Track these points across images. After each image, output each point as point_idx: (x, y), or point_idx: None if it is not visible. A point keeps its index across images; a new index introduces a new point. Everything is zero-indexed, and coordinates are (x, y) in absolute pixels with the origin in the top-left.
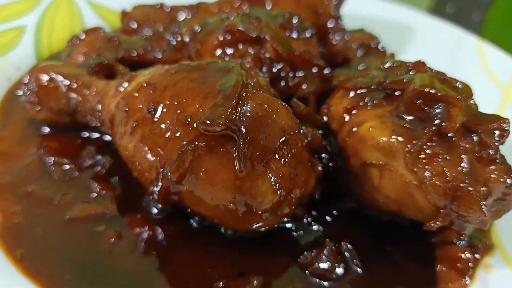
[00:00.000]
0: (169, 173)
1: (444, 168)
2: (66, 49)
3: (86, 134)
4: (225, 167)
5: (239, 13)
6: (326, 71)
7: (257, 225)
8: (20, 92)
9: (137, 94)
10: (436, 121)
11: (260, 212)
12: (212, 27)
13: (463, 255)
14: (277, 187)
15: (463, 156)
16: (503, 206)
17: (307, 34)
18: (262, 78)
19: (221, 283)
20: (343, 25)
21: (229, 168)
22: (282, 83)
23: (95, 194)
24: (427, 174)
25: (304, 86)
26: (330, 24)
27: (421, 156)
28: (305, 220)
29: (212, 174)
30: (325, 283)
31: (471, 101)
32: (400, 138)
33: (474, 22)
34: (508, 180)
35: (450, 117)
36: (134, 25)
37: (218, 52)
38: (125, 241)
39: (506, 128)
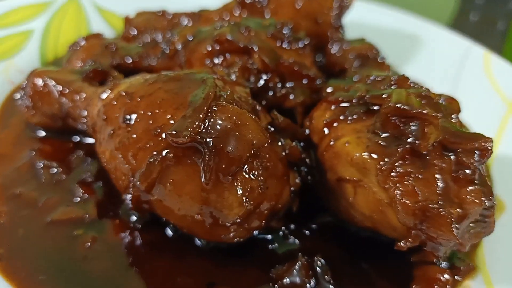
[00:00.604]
0: (138, 182)
1: (415, 188)
2: (67, 54)
3: (77, 139)
4: (192, 178)
5: (231, 22)
6: (317, 82)
7: (226, 237)
8: (18, 96)
9: (115, 103)
10: (410, 139)
11: (227, 224)
12: (204, 36)
13: (441, 277)
14: (245, 200)
15: (438, 176)
16: (483, 228)
17: (300, 45)
18: (242, 90)
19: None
20: (344, 35)
21: (196, 180)
22: (270, 93)
23: (78, 199)
24: (397, 192)
25: (291, 97)
26: (329, 34)
27: (392, 174)
28: (281, 232)
29: (179, 185)
30: None
31: (455, 118)
32: (373, 155)
33: (498, 31)
34: (487, 203)
35: (424, 135)
36: (134, 32)
37: (207, 61)
38: (101, 246)
39: (487, 148)
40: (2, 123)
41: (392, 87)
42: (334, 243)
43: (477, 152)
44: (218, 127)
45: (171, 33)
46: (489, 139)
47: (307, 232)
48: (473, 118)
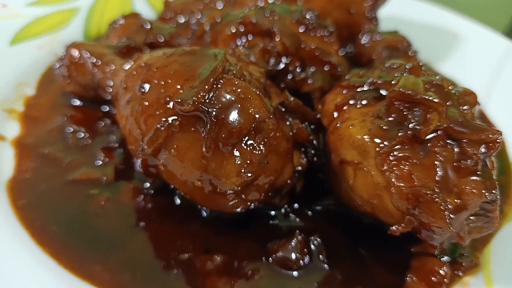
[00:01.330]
0: (145, 146)
1: (412, 173)
2: (107, 31)
3: (107, 109)
4: (194, 146)
5: (258, 6)
6: (339, 69)
7: (224, 205)
8: (57, 65)
9: (134, 73)
10: (412, 124)
11: (224, 193)
12: (230, 19)
13: (440, 270)
14: (243, 171)
15: (437, 163)
16: (485, 223)
17: (325, 32)
18: (256, 69)
19: (186, 255)
20: (377, 27)
21: (197, 147)
22: (290, 77)
23: (100, 162)
24: (393, 175)
25: (310, 82)
26: (361, 24)
27: (390, 157)
28: (283, 210)
29: (182, 151)
30: (287, 272)
31: (467, 110)
32: (373, 138)
33: None
34: (488, 196)
35: (425, 121)
36: (171, 14)
37: (232, 42)
38: (113, 206)
39: (495, 140)
40: (42, 89)
41: (405, 74)
42: (335, 226)
43: (483, 144)
44: (222, 98)
45: (201, 15)
46: (497, 132)
47: (309, 212)
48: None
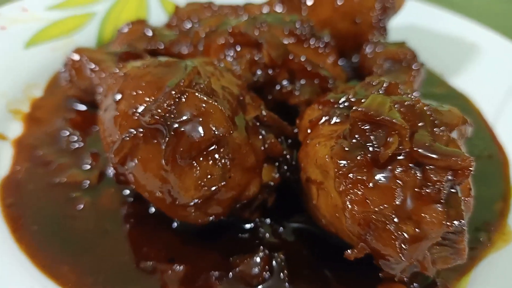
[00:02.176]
0: (112, 155)
1: (367, 197)
2: (114, 37)
3: None
4: (156, 157)
5: (250, 16)
6: (330, 82)
7: (186, 217)
8: (62, 69)
9: (114, 82)
10: (373, 147)
11: (184, 205)
12: (223, 29)
13: None
14: (201, 184)
15: (397, 189)
16: (452, 254)
17: (320, 43)
18: (234, 81)
19: (150, 263)
20: (385, 37)
21: (158, 159)
22: (278, 88)
23: (88, 166)
24: (347, 198)
25: (297, 93)
26: (367, 34)
27: (347, 180)
28: (252, 224)
29: (145, 162)
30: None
31: (442, 132)
32: (334, 158)
33: None
34: (451, 226)
35: (386, 144)
36: (177, 21)
37: (221, 52)
38: (90, 210)
39: (465, 167)
40: (49, 92)
41: (380, 92)
42: (303, 244)
43: (450, 171)
44: (182, 112)
45: (199, 23)
46: (467, 159)
47: (280, 228)
48: None
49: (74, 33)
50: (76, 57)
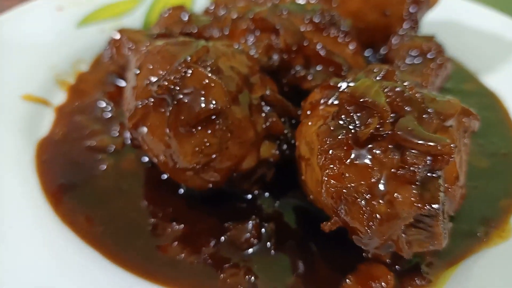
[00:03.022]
0: (127, 121)
1: (344, 173)
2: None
3: None
4: (161, 124)
5: (273, 4)
6: (344, 70)
7: (186, 181)
8: (106, 47)
9: (138, 57)
10: (355, 127)
11: (183, 169)
12: (249, 15)
13: (383, 278)
14: (198, 151)
15: (374, 168)
16: (427, 238)
17: (339, 32)
18: (244, 63)
19: (153, 220)
20: (416, 30)
21: (163, 126)
22: (293, 72)
23: (116, 133)
24: (325, 173)
25: (310, 78)
26: (396, 26)
27: (327, 155)
28: (251, 195)
29: (153, 128)
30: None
31: (432, 119)
32: (320, 136)
33: None
34: (421, 208)
35: (366, 125)
36: (214, 7)
37: (242, 37)
38: (112, 171)
39: (444, 153)
40: (94, 67)
41: (377, 78)
42: (295, 219)
43: (429, 157)
44: (186, 85)
45: (230, 10)
46: (447, 145)
47: (277, 202)
48: None
49: (123, 16)
50: (118, 36)
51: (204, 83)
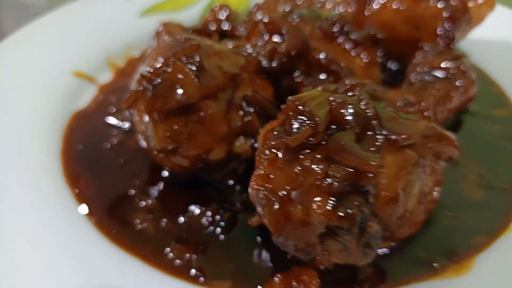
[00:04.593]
0: (124, 103)
1: (269, 174)
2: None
3: None
4: (144, 109)
5: (290, 9)
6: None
7: (160, 162)
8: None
9: (151, 49)
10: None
11: (156, 151)
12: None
13: (307, 281)
14: (168, 136)
15: (298, 175)
16: (343, 251)
17: (350, 43)
18: (235, 63)
19: (134, 191)
20: (450, 48)
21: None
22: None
23: None
24: (254, 172)
25: (305, 83)
26: (426, 41)
27: (261, 156)
28: (223, 186)
29: (139, 112)
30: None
31: (394, 141)
32: (263, 139)
33: None
34: (331, 220)
35: (298, 133)
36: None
37: (254, 38)
38: (120, 147)
39: (367, 171)
40: (143, 54)
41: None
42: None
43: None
44: (166, 77)
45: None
46: (373, 166)
47: (244, 195)
48: None
49: (182, 10)
50: (160, 28)
51: (180, 77)
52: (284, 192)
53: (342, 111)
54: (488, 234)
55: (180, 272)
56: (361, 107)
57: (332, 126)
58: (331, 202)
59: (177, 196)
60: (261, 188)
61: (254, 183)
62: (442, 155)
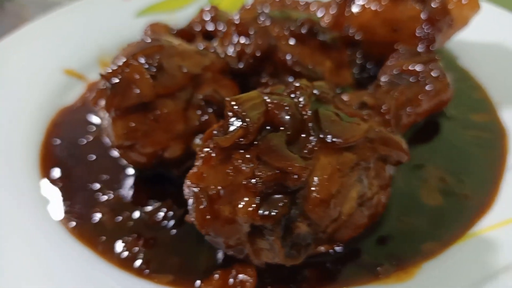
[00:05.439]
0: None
1: (203, 172)
2: None
3: None
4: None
5: (263, 11)
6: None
7: (120, 156)
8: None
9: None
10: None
11: (114, 147)
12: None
13: (242, 282)
14: (125, 133)
15: (231, 174)
16: (269, 251)
17: (320, 46)
18: (197, 63)
19: (99, 185)
20: (429, 51)
21: None
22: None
23: None
24: (190, 170)
25: (270, 84)
26: (403, 44)
27: (198, 155)
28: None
29: (102, 108)
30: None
31: (332, 143)
32: (204, 138)
33: None
34: (254, 219)
35: (230, 134)
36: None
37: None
38: (94, 141)
39: (292, 173)
40: None
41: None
42: None
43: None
44: (124, 76)
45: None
46: (298, 168)
47: None
48: None
49: (178, 11)
50: (147, 28)
51: (136, 77)
52: (214, 191)
53: (277, 112)
54: (440, 241)
55: (126, 264)
56: (298, 109)
57: (267, 127)
58: (256, 201)
59: (139, 191)
60: (193, 186)
61: (188, 180)
62: (389, 159)
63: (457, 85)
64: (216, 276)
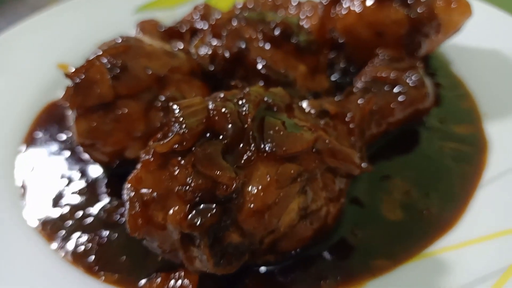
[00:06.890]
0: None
1: (141, 177)
2: None
3: None
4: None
5: (241, 12)
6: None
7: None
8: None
9: None
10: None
11: (80, 144)
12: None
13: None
14: (86, 131)
15: (167, 180)
16: (201, 261)
17: (294, 49)
18: (165, 64)
19: (67, 180)
20: (413, 56)
21: None
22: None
23: None
24: (130, 175)
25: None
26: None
27: (141, 159)
28: None
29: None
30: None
31: (273, 153)
32: (150, 142)
33: None
34: (182, 227)
35: (167, 140)
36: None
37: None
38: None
39: (221, 183)
40: None
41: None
42: None
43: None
44: (87, 76)
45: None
46: (228, 178)
47: None
48: None
49: (178, 7)
50: (139, 22)
51: (97, 77)
52: (148, 196)
53: (218, 119)
54: (390, 259)
55: (77, 260)
56: (240, 117)
57: (207, 134)
58: (186, 209)
59: (106, 188)
60: (130, 190)
61: (128, 183)
62: (339, 171)
63: (446, 93)
64: (158, 279)
